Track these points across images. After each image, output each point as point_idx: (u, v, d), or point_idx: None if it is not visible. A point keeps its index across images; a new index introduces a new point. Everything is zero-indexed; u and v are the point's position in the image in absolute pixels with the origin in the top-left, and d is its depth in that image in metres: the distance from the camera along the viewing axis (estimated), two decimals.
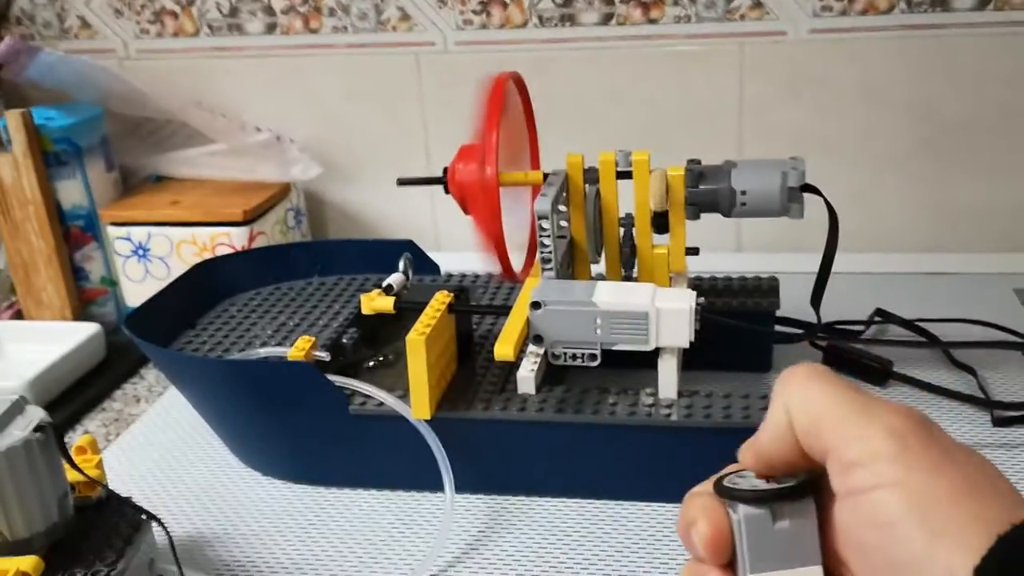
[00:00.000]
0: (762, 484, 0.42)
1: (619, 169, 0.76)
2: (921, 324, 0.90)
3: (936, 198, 1.11)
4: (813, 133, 1.09)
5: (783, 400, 0.40)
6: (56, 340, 0.97)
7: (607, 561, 0.65)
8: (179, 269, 1.05)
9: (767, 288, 0.86)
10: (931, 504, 0.34)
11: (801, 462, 0.41)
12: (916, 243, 1.13)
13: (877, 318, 0.92)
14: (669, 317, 0.66)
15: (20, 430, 0.55)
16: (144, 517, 0.60)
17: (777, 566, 0.41)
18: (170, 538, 0.60)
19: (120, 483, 0.77)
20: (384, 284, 0.75)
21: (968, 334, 0.88)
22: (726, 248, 1.16)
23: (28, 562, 0.52)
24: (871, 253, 1.09)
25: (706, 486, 0.45)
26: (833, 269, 0.76)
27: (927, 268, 1.06)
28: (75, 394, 0.94)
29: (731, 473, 0.45)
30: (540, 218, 0.71)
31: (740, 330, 0.77)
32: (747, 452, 0.43)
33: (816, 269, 0.77)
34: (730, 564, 0.42)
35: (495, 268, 0.75)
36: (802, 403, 0.39)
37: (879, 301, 0.94)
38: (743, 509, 0.41)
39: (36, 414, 0.56)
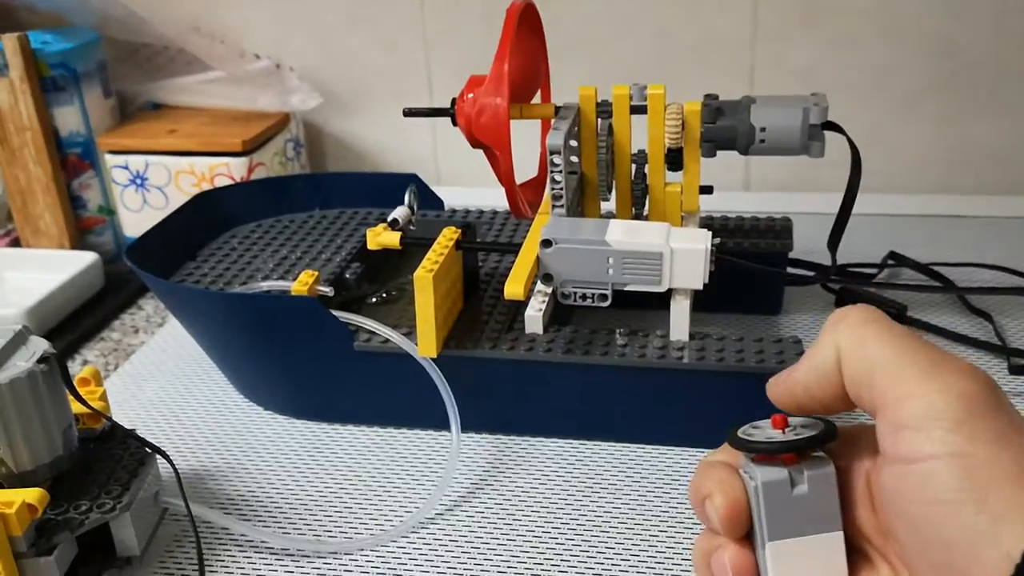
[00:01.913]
0: (778, 435, 0.41)
1: (633, 103, 0.74)
2: (936, 268, 0.88)
3: (954, 138, 1.09)
4: (828, 68, 1.07)
5: (834, 339, 0.38)
6: (54, 268, 0.96)
7: (613, 503, 0.65)
8: (177, 199, 1.04)
9: (780, 229, 0.84)
10: (994, 482, 0.32)
11: (837, 406, 0.39)
12: (932, 184, 1.11)
13: (890, 261, 0.90)
14: (684, 257, 0.65)
15: (24, 361, 0.54)
16: (148, 450, 0.60)
17: (796, 533, 0.40)
18: (176, 472, 0.60)
19: (121, 414, 0.76)
20: (389, 218, 0.74)
21: (984, 279, 0.87)
22: (734, 187, 1.14)
23: (33, 494, 0.51)
24: (885, 194, 1.08)
25: (718, 455, 0.43)
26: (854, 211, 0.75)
27: (943, 210, 1.05)
28: (73, 324, 0.94)
29: (744, 426, 0.43)
30: (552, 153, 0.70)
31: (752, 271, 0.76)
32: (779, 386, 0.41)
33: (826, 209, 0.75)
34: (746, 534, 0.41)
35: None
36: (856, 347, 0.37)
37: (893, 243, 0.93)
38: (760, 475, 0.40)
39: (40, 345, 0.55)
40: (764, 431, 0.42)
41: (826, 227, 0.77)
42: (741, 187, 1.14)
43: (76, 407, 0.58)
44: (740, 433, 0.42)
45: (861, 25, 1.05)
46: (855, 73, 1.07)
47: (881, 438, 0.35)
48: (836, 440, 0.40)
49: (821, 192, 1.06)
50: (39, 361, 0.54)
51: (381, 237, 0.72)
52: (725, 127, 0.72)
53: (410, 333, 0.69)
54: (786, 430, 0.41)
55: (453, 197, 0.93)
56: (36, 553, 0.52)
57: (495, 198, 0.78)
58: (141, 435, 0.60)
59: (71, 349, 0.90)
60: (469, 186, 1.13)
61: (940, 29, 1.04)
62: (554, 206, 0.72)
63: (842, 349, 0.37)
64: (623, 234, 0.66)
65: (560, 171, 0.70)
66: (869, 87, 1.08)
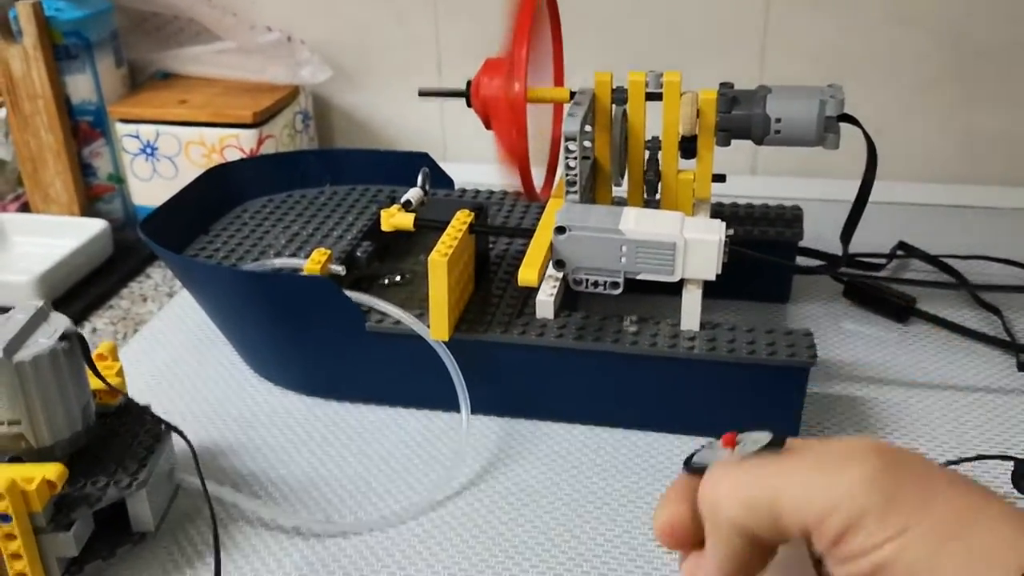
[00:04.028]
0: (727, 453, 0.41)
1: (649, 90, 0.74)
2: (945, 260, 0.88)
3: (964, 127, 1.09)
4: (838, 54, 1.07)
5: (725, 523, 0.37)
6: (64, 235, 0.97)
7: (621, 491, 0.66)
8: (187, 169, 1.04)
9: (790, 217, 0.84)
10: (942, 551, 0.32)
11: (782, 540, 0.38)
12: (941, 174, 1.11)
13: (899, 252, 0.90)
14: (697, 248, 0.65)
15: (46, 338, 0.54)
16: (164, 427, 0.60)
17: None
18: (194, 452, 0.60)
19: (134, 387, 0.76)
20: (403, 200, 0.74)
21: (992, 272, 0.88)
22: (740, 171, 1.14)
23: (53, 470, 0.52)
24: (894, 182, 1.07)
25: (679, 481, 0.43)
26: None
27: (952, 200, 1.05)
28: (82, 291, 0.94)
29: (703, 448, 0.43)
30: (568, 139, 0.70)
31: (764, 262, 0.76)
32: None
33: (834, 196, 0.75)
34: None
35: (515, 185, 0.74)
36: (747, 502, 0.36)
37: (901, 233, 0.93)
38: None
39: (61, 322, 0.56)
40: (715, 451, 0.42)
41: (834, 213, 0.77)
42: (748, 171, 1.14)
43: (94, 382, 0.59)
44: (696, 459, 0.42)
45: (871, 11, 1.05)
46: (865, 60, 1.07)
47: (827, 557, 0.35)
48: (783, 446, 0.40)
49: (829, 178, 1.06)
50: (61, 339, 0.54)
51: (395, 219, 0.72)
52: (740, 117, 0.72)
53: (422, 315, 0.69)
54: (736, 448, 0.41)
55: (460, 173, 0.93)
56: (55, 528, 0.53)
57: (501, 174, 0.78)
58: (153, 409, 0.61)
59: (80, 317, 0.91)
60: (476, 162, 1.13)
61: (952, 17, 1.04)
62: (568, 192, 0.72)
63: (737, 518, 0.37)
64: (637, 223, 0.66)
65: (575, 157, 0.70)
66: (879, 74, 1.07)
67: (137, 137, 1.05)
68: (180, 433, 0.60)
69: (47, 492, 0.52)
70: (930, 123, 1.10)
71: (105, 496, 0.54)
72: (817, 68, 1.07)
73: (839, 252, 0.80)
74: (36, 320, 0.55)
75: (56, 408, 0.55)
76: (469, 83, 0.75)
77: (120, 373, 0.62)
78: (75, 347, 0.56)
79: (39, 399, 0.54)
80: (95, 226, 0.98)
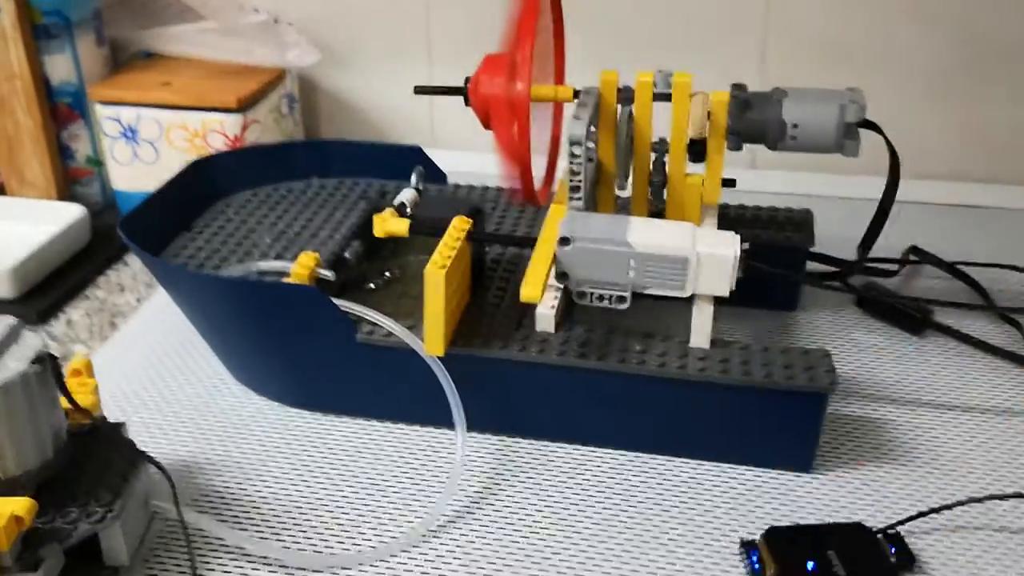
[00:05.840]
0: None
1: (657, 91, 0.71)
2: (961, 267, 0.85)
3: (976, 125, 1.06)
4: (844, 47, 1.04)
5: None
6: (40, 220, 0.93)
7: (619, 516, 0.62)
8: (168, 154, 1.01)
9: (799, 221, 0.81)
10: None
11: None
12: (953, 172, 1.08)
13: (912, 257, 0.87)
14: (711, 263, 0.61)
15: (17, 361, 0.50)
16: (139, 455, 0.56)
17: None
18: (171, 483, 0.56)
19: (107, 394, 0.72)
20: (396, 202, 0.70)
21: (1011, 280, 0.85)
22: (739, 164, 1.10)
23: (21, 505, 0.48)
24: (905, 180, 1.04)
25: None
26: (863, 196, 0.72)
27: (964, 200, 1.02)
28: (58, 280, 0.91)
29: None
30: (572, 143, 0.66)
31: (778, 276, 0.73)
32: None
33: (839, 192, 0.72)
34: None
35: (512, 183, 0.70)
36: None
37: (913, 235, 0.90)
38: None
39: (34, 343, 0.52)
40: None
41: (839, 210, 0.74)
42: (747, 165, 1.11)
43: (66, 403, 0.55)
44: None
45: (881, 2, 1.02)
46: (873, 53, 1.04)
47: None
48: None
49: (834, 173, 1.03)
50: (33, 362, 0.50)
51: (389, 224, 0.68)
52: (754, 121, 0.69)
53: (415, 327, 0.66)
54: None
55: (450, 161, 0.89)
56: (21, 568, 0.49)
57: (493, 164, 0.74)
58: (128, 419, 0.58)
59: (55, 308, 0.88)
60: (465, 150, 1.10)
61: (966, 10, 1.01)
62: (571, 198, 0.69)
63: None
64: (646, 235, 0.62)
65: (580, 162, 0.67)
66: (888, 68, 1.05)
67: (118, 120, 1.02)
68: (157, 464, 0.56)
69: (15, 529, 0.48)
70: (943, 119, 1.07)
71: (76, 532, 0.51)
72: (821, 61, 1.04)
73: (848, 255, 0.77)
74: (7, 341, 0.51)
75: (26, 436, 0.51)
76: (467, 80, 0.71)
77: (95, 391, 0.58)
78: (47, 370, 0.52)
79: (7, 428, 0.50)
80: (72, 212, 0.95)
